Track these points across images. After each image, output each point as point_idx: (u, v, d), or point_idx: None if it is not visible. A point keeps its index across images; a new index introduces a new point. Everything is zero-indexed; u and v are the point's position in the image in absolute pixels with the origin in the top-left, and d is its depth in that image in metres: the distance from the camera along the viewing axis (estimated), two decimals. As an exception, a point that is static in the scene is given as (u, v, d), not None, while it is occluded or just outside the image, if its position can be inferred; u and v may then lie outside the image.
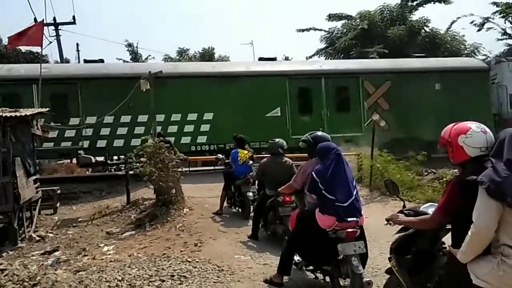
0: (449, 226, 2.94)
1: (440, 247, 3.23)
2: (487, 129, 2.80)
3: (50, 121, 12.64)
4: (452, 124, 2.91)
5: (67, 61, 28.58)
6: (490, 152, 2.65)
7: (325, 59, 27.56)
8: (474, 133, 2.77)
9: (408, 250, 3.38)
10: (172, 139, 11.48)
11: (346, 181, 4.58)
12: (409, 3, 26.76)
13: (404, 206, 3.61)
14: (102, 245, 7.52)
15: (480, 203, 2.48)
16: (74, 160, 13.97)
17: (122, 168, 12.96)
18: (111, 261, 6.27)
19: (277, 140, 7.44)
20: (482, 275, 2.51)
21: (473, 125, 2.81)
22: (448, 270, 2.81)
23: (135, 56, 33.63)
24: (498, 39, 27.19)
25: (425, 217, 3.08)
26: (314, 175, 4.60)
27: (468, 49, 26.76)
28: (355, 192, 4.59)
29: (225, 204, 8.98)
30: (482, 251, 2.53)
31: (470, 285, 2.56)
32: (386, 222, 3.48)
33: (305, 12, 62.60)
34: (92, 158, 13.46)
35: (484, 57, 25.53)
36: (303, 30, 27.76)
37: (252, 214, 7.71)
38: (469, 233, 2.51)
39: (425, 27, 26.39)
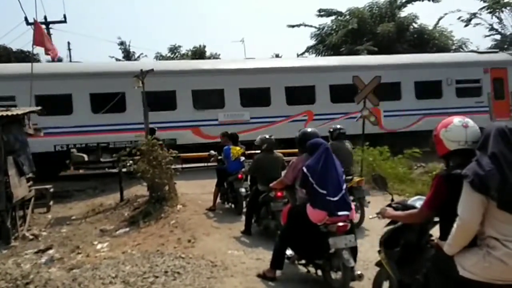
0: (437, 219, 2.97)
1: (428, 240, 3.26)
2: (471, 124, 2.83)
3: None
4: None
5: (59, 60, 28.30)
6: (475, 146, 2.69)
7: (315, 56, 27.65)
8: (454, 127, 2.83)
9: (396, 243, 3.42)
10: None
11: (336, 176, 4.65)
12: (398, 0, 26.88)
13: (392, 200, 3.65)
14: (96, 242, 7.52)
15: (465, 196, 2.52)
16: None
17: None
18: (105, 259, 6.29)
19: (269, 136, 7.51)
20: (468, 267, 2.56)
21: (456, 120, 2.86)
22: (436, 262, 2.83)
23: (128, 55, 33.38)
24: (486, 36, 27.53)
25: (413, 212, 3.11)
26: (305, 170, 4.66)
27: (456, 44, 26.96)
28: (344, 187, 4.68)
29: (218, 200, 9.04)
30: (469, 243, 2.57)
31: (457, 276, 2.60)
32: (374, 216, 3.55)
33: (295, 9, 62.71)
34: (85, 156, 13.45)
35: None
36: (293, 26, 27.74)
37: (244, 210, 7.77)
38: (455, 226, 2.56)
39: (413, 23, 26.52)
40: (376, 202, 8.50)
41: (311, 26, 28.07)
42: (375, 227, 4.17)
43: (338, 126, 7.84)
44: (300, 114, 15.11)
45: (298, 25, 27.64)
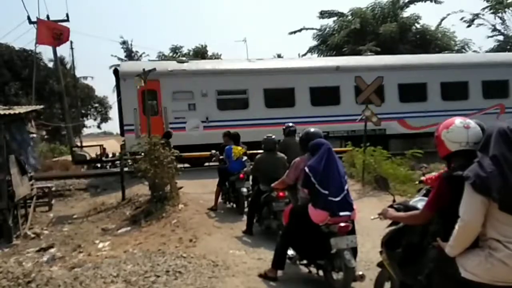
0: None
1: (429, 241, 3.28)
2: (473, 125, 2.82)
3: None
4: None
5: (62, 59, 28.39)
6: (476, 147, 2.68)
7: (318, 56, 27.65)
8: (455, 128, 2.81)
9: (398, 243, 3.41)
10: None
11: (338, 176, 4.65)
12: (401, 1, 26.89)
13: (394, 201, 3.64)
14: (97, 241, 7.54)
15: (466, 198, 2.51)
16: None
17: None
18: (106, 258, 6.30)
19: (271, 136, 7.49)
20: (470, 268, 2.54)
21: (457, 121, 2.84)
22: (438, 263, 2.82)
23: (130, 54, 33.42)
24: (488, 37, 27.54)
25: (414, 213, 3.10)
26: (307, 170, 4.66)
27: (458, 45, 26.94)
28: (346, 187, 4.68)
29: (219, 199, 9.04)
30: (470, 245, 2.56)
31: (459, 278, 2.59)
32: (376, 216, 3.54)
33: (298, 10, 62.95)
34: (87, 155, 13.48)
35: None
36: (294, 32, 27.87)
37: (246, 210, 7.77)
38: (456, 227, 2.54)
39: (416, 24, 26.54)
40: (378, 202, 8.53)
41: (312, 28, 28.15)
42: (377, 228, 4.15)
43: (290, 124, 8.20)
44: None
45: (300, 30, 27.74)
